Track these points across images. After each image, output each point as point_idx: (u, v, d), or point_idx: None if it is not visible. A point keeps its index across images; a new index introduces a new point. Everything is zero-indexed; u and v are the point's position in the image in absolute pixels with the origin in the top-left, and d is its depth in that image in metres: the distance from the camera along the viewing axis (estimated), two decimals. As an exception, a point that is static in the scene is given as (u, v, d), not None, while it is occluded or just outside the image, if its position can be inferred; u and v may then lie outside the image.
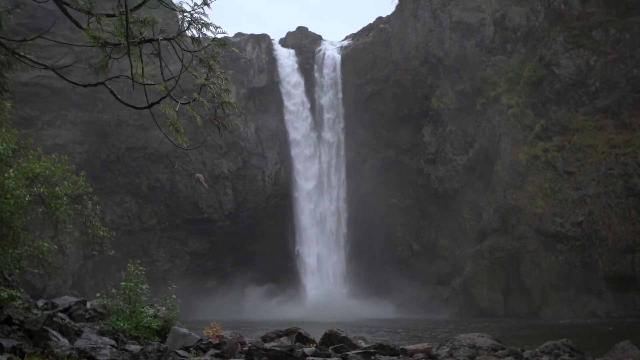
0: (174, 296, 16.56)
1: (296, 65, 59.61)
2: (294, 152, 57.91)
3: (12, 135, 16.44)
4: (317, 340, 17.33)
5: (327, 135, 58.20)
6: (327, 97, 58.65)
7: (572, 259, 43.99)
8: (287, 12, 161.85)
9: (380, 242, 54.24)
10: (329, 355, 15.49)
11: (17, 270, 14.90)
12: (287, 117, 58.42)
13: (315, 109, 58.51)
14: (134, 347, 13.46)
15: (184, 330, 15.22)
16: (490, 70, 52.80)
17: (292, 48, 60.88)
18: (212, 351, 14.44)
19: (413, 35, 56.82)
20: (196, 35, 7.71)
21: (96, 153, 54.45)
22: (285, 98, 58.71)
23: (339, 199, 57.02)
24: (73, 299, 16.89)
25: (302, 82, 58.99)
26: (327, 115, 58.40)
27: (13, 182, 15.16)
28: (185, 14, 7.63)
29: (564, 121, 47.53)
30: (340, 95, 58.51)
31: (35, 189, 16.15)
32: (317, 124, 58.41)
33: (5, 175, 15.36)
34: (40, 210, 16.57)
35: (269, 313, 48.20)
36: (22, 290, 14.20)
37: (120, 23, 7.29)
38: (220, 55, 7.94)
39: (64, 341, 12.88)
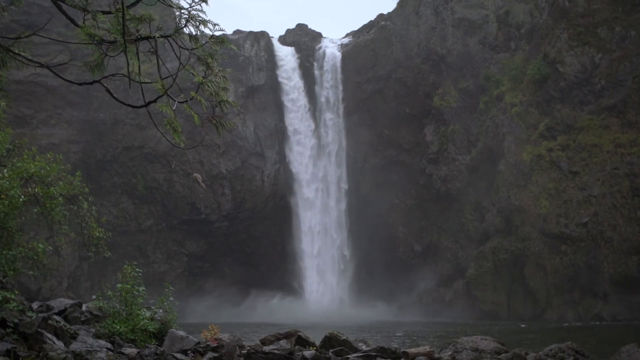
0: (171, 298, 16.38)
1: (296, 63, 59.25)
2: (294, 151, 57.51)
3: (7, 134, 16.37)
4: (317, 343, 17.11)
5: (328, 134, 57.79)
6: (328, 96, 58.28)
7: (577, 261, 43.69)
8: (286, 11, 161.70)
9: (381, 243, 53.91)
10: (329, 359, 15.24)
11: (12, 272, 14.74)
12: (287, 115, 58.08)
13: (315, 108, 58.16)
14: (131, 350, 13.32)
15: (181, 333, 15.03)
16: (493, 68, 52.51)
17: (292, 46, 60.54)
18: (210, 354, 14.23)
19: (415, 32, 56.53)
20: (194, 33, 7.61)
21: (92, 152, 54.12)
22: (284, 96, 58.37)
23: (339, 199, 56.61)
24: (68, 301, 16.66)
25: (302, 81, 58.62)
26: (328, 114, 58.01)
27: (7, 182, 15.08)
28: (182, 11, 7.51)
29: (568, 120, 47.21)
30: (340, 93, 58.14)
31: (30, 189, 16.01)
32: (317, 122, 58.02)
33: (-1, 175, 15.16)
34: (35, 210, 16.48)
35: (268, 315, 47.94)
36: (16, 292, 13.97)
37: (117, 20, 7.17)
38: (218, 53, 7.84)
39: (59, 344, 12.74)
